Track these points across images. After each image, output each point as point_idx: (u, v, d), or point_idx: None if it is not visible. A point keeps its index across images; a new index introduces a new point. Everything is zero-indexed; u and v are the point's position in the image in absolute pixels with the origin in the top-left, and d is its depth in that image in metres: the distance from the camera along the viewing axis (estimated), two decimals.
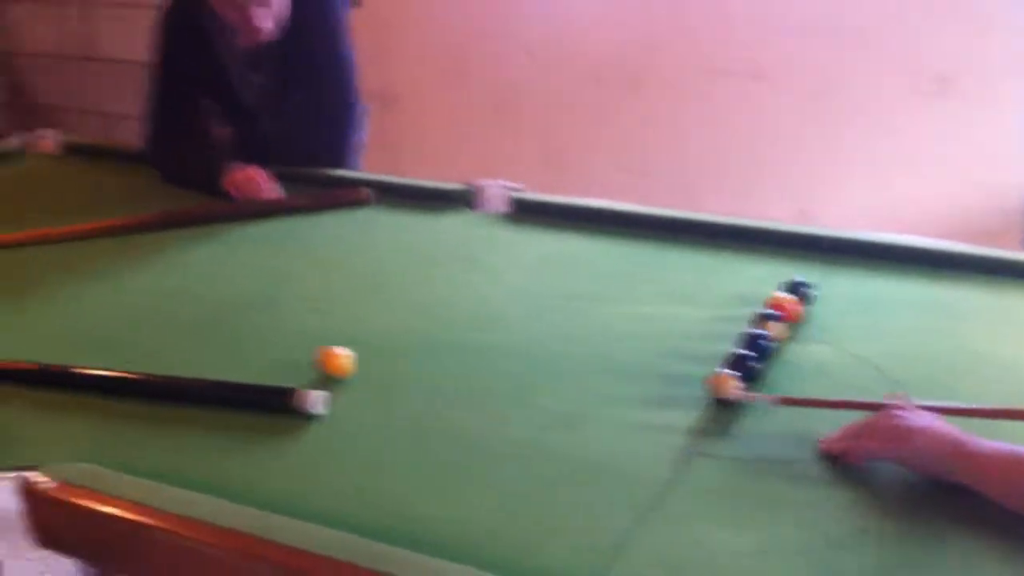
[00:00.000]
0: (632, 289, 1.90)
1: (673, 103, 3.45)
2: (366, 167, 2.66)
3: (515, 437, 1.42)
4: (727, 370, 1.50)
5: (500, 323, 1.78)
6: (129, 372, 1.57)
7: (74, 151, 2.75)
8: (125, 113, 4.21)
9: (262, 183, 2.33)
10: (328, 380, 1.56)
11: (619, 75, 3.44)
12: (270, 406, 1.49)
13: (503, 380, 1.58)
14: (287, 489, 1.30)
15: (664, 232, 2.14)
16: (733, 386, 1.47)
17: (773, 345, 1.61)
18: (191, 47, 2.41)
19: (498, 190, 2.32)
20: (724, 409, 1.47)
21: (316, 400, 1.48)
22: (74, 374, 1.58)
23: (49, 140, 2.76)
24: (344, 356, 1.59)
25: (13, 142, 2.74)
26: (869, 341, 1.67)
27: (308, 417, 1.47)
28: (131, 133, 3.75)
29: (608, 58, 3.44)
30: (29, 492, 1.28)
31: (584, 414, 1.47)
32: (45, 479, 1.29)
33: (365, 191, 2.35)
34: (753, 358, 1.54)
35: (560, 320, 1.78)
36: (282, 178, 2.38)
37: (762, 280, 1.87)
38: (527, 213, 2.26)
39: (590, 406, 1.50)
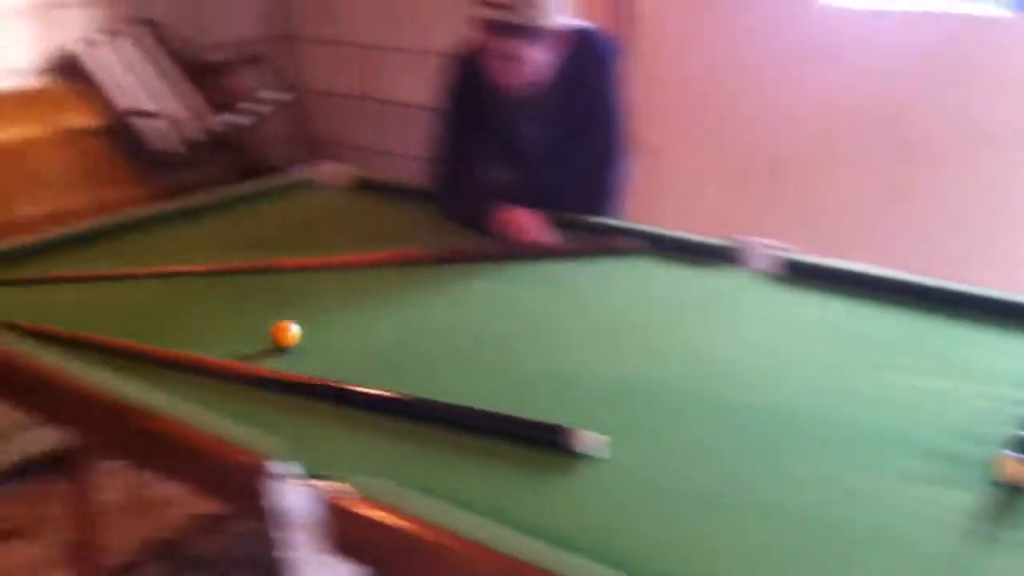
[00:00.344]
0: (902, 359, 1.85)
1: (941, 169, 3.34)
2: (630, 216, 2.71)
3: (781, 501, 1.42)
4: (1019, 454, 1.44)
5: (765, 384, 1.77)
6: (415, 396, 1.67)
7: (361, 185, 2.93)
8: (406, 153, 4.45)
9: (529, 226, 2.42)
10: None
11: (889, 140, 3.36)
12: (543, 442, 1.55)
13: (765, 441, 1.58)
14: (559, 523, 1.35)
15: (933, 302, 2.07)
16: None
17: None
18: (472, 95, 2.53)
19: (764, 249, 2.31)
20: (1013, 493, 1.41)
21: (591, 441, 1.52)
22: (368, 394, 1.69)
23: (339, 173, 2.96)
24: (293, 333, 1.88)
25: (306, 173, 2.96)
26: None
27: (576, 456, 1.52)
28: (411, 172, 3.96)
29: (880, 122, 3.37)
30: (328, 501, 1.38)
31: (857, 485, 1.45)
32: (344, 490, 1.38)
33: (622, 240, 2.40)
34: None
35: (828, 386, 1.76)
36: (551, 222, 2.46)
37: None
38: (793, 274, 2.24)
39: (863, 477, 1.47)
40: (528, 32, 2.34)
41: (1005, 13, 3.12)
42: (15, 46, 3.88)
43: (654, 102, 3.57)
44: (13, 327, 1.96)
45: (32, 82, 3.95)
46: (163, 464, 1.69)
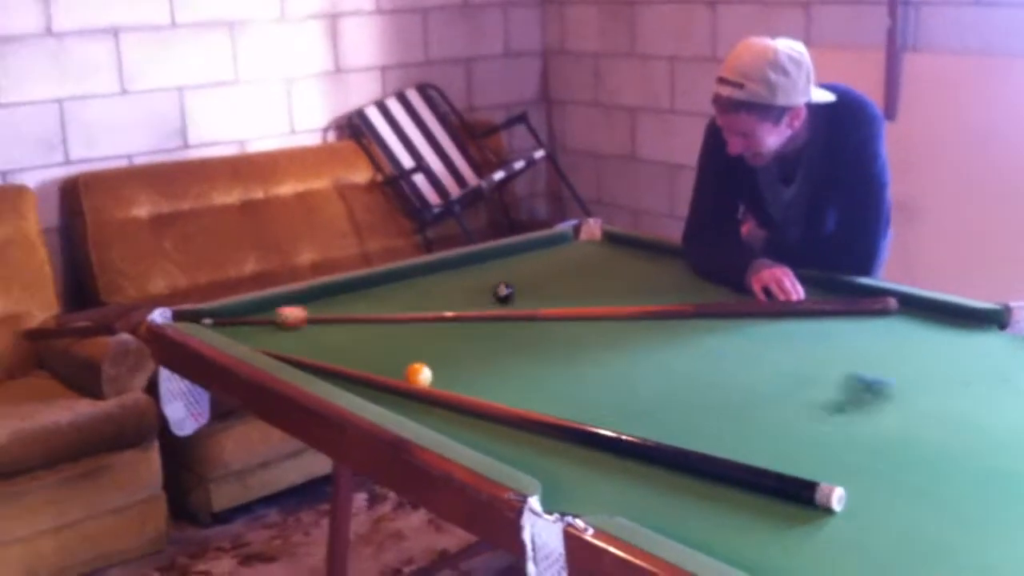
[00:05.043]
0: None
1: None
2: (886, 276, 2.66)
3: None
4: None
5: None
6: (663, 443, 1.73)
7: (613, 239, 3.03)
8: (661, 211, 4.54)
9: (788, 284, 2.43)
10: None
11: None
12: (789, 495, 1.56)
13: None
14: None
15: None
16: None
17: None
18: (728, 156, 2.54)
19: None
20: None
21: (837, 497, 1.53)
22: (617, 439, 1.76)
23: (595, 228, 3.07)
24: (425, 377, 2.01)
25: (565, 227, 3.08)
26: None
27: (824, 511, 1.52)
28: (658, 228, 4.03)
29: None
30: (570, 535, 1.45)
31: None
32: (585, 526, 1.45)
33: (893, 301, 2.36)
34: None
35: None
36: (806, 281, 2.46)
37: None
38: None
39: None
40: (753, 109, 2.36)
41: None
42: (312, 107, 4.27)
43: (913, 161, 3.49)
44: (285, 360, 2.15)
45: (324, 140, 4.32)
46: (426, 495, 1.80)
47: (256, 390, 2.11)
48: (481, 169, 4.46)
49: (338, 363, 2.15)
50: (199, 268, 3.75)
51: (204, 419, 2.45)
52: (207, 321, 2.43)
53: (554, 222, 3.31)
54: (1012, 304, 2.26)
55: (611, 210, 4.69)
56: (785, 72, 2.34)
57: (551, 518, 1.48)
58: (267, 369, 2.11)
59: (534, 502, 1.51)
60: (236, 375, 2.15)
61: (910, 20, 3.62)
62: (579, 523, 1.46)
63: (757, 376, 2.08)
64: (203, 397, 2.42)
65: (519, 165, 4.39)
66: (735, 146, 2.46)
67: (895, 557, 1.43)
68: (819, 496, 1.53)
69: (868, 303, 2.39)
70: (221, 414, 3.15)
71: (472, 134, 4.56)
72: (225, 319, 2.45)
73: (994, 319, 2.26)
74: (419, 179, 4.30)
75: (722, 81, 2.40)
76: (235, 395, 2.25)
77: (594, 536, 1.44)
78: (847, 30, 3.78)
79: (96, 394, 3.11)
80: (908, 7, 3.61)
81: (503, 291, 2.53)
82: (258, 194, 3.95)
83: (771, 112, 2.37)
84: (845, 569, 1.40)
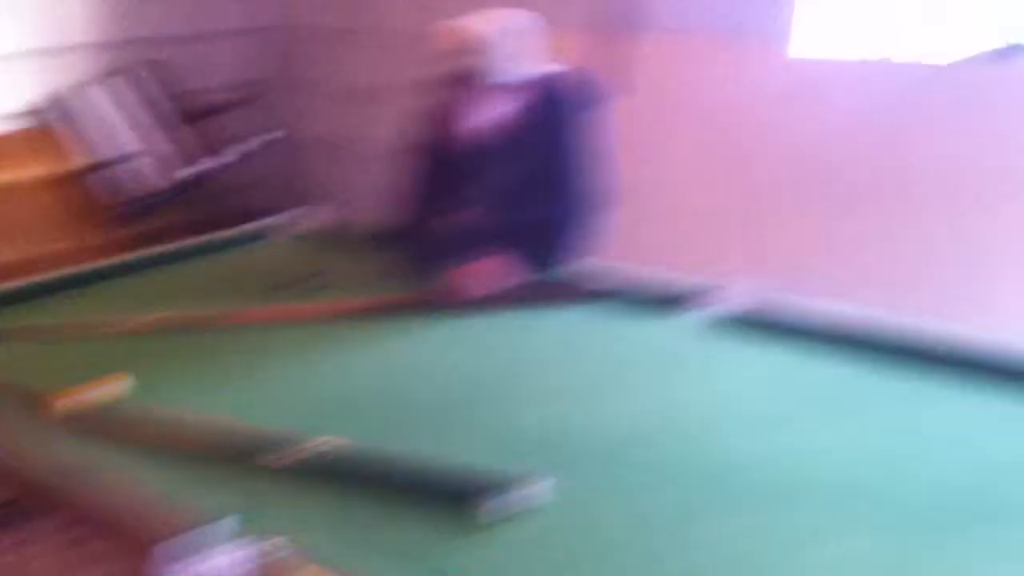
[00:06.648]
0: (858, 416, 1.83)
1: (900, 213, 3.34)
2: (609, 258, 2.67)
3: (722, 560, 1.41)
4: None
5: (710, 437, 1.75)
6: (354, 452, 1.64)
7: (338, 231, 2.93)
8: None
9: (497, 274, 2.41)
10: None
11: (853, 184, 3.38)
12: (488, 494, 1.51)
13: (709, 497, 1.57)
14: None
15: (881, 351, 2.02)
16: None
17: None
18: (439, 140, 2.56)
19: (735, 292, 2.28)
20: None
21: (532, 493, 1.52)
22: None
23: (317, 218, 2.99)
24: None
25: (284, 219, 2.96)
26: None
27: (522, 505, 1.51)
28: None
29: (844, 168, 3.40)
30: (262, 564, 1.36)
31: (809, 544, 1.44)
32: (275, 550, 1.36)
33: (584, 290, 2.39)
34: None
35: (778, 441, 1.73)
36: (517, 271, 2.44)
37: None
38: (758, 320, 2.20)
39: (813, 536, 1.46)
40: (480, 81, 2.39)
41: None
42: (7, 90, 3.89)
43: (643, 140, 3.57)
44: None
45: (21, 126, 3.95)
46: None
47: None
48: (208, 154, 4.21)
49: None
50: None
51: None
52: None
53: (282, 213, 3.14)
54: (714, 284, 2.30)
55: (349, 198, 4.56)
56: (514, 35, 2.40)
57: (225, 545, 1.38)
58: None
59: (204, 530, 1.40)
60: None
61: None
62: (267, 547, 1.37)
63: (457, 372, 2.04)
64: None
65: (248, 151, 4.19)
66: (459, 121, 2.46)
67: (579, 553, 1.42)
68: (516, 492, 1.51)
69: (564, 291, 2.40)
70: None
71: (201, 117, 4.28)
72: None
73: (697, 299, 2.29)
74: (131, 167, 4.02)
75: (445, 54, 2.40)
76: None
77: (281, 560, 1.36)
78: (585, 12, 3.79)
79: None
80: None
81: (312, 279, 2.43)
82: None
83: (494, 84, 2.40)
84: (529, 560, 1.40)
